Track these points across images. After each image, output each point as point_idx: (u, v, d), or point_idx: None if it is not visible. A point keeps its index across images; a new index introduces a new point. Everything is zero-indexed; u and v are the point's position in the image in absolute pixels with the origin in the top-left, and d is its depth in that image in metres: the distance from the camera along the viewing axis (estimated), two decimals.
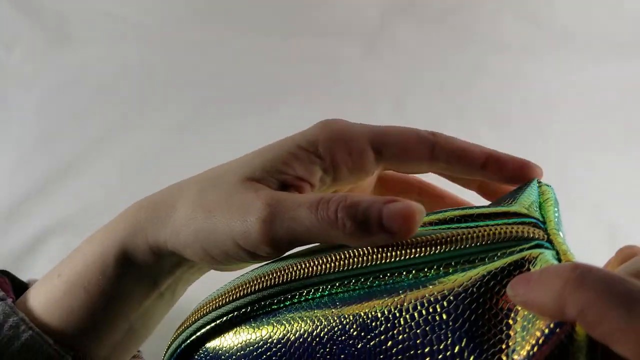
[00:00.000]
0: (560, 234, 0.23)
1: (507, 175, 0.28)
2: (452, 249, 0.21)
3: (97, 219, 0.56)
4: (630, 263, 0.19)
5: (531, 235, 0.21)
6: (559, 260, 0.21)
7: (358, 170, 0.27)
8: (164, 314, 0.31)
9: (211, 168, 0.29)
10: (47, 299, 0.28)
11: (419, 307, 0.21)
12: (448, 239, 0.22)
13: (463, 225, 0.22)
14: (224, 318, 0.24)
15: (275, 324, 0.23)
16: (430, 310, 0.21)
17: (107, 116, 0.65)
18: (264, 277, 0.24)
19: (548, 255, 0.20)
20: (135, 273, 0.28)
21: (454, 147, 0.28)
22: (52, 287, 0.28)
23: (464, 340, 0.20)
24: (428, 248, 0.22)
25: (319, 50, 0.73)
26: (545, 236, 0.22)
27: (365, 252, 0.22)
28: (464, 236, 0.21)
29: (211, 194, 0.26)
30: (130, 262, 0.27)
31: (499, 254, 0.21)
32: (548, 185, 0.27)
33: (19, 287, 0.31)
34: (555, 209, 0.24)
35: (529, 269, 0.20)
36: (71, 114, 0.65)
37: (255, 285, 0.24)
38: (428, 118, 0.68)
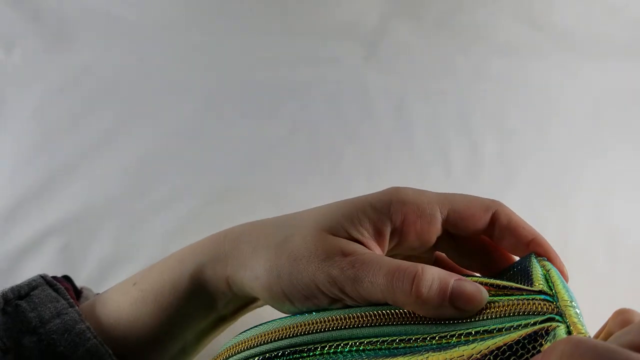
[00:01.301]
0: (573, 305, 0.24)
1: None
2: (475, 320, 0.24)
3: (97, 219, 0.56)
4: (623, 332, 0.19)
5: (544, 310, 0.23)
6: (569, 333, 0.22)
7: (424, 234, 0.29)
8: (213, 338, 0.34)
9: (286, 215, 0.31)
10: (118, 304, 0.30)
11: None
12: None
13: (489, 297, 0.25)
14: (255, 359, 0.26)
15: None
16: None
17: (106, 116, 0.64)
18: (300, 325, 0.27)
19: (561, 328, 0.22)
20: (204, 297, 0.30)
21: (511, 219, 0.29)
22: (125, 293, 0.30)
23: None
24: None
25: (319, 53, 0.73)
26: (556, 309, 0.23)
27: (397, 315, 0.25)
28: (487, 311, 0.24)
29: (295, 242, 0.28)
30: (203, 287, 0.30)
31: (514, 326, 0.23)
32: (546, 260, 0.28)
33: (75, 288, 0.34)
34: (563, 282, 0.26)
35: (541, 344, 0.22)
36: (71, 114, 0.64)
37: (289, 331, 0.26)
38: (429, 121, 0.68)
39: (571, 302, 0.24)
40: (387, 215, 0.28)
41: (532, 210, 0.58)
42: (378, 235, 0.28)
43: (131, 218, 0.56)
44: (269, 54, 0.72)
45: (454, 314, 0.24)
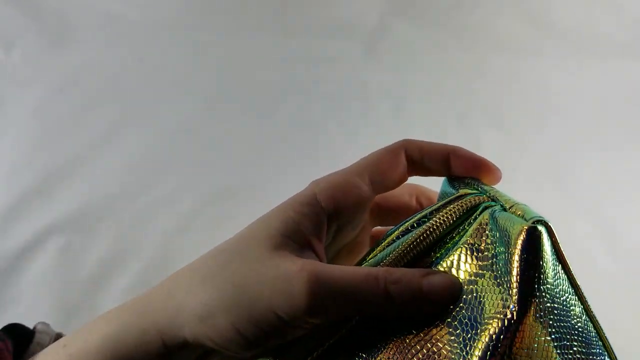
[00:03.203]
0: (501, 192, 0.27)
1: (469, 168, 0.30)
2: (432, 238, 0.26)
3: (97, 218, 0.56)
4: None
5: (478, 201, 0.26)
6: (505, 209, 0.25)
7: (357, 208, 0.28)
8: None
9: (218, 245, 0.27)
10: None
11: None
12: (425, 233, 0.26)
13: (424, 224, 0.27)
14: None
15: None
16: None
17: (106, 116, 0.64)
18: None
19: (496, 207, 0.25)
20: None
21: (422, 148, 0.30)
22: (54, 357, 0.27)
23: None
24: (413, 247, 0.26)
25: (318, 50, 0.73)
26: (489, 198, 0.26)
27: None
28: (437, 224, 0.26)
29: (238, 269, 0.25)
30: (132, 350, 0.25)
31: (465, 226, 0.26)
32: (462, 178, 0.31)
33: (24, 334, 0.31)
34: (478, 182, 0.29)
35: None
36: (71, 114, 0.64)
37: None
38: (428, 119, 0.68)
39: (495, 189, 0.27)
40: (319, 206, 0.27)
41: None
42: (319, 230, 0.27)
43: (131, 217, 0.56)
44: (269, 53, 0.72)
45: (434, 308, 0.24)
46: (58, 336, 0.33)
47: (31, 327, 0.32)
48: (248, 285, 0.24)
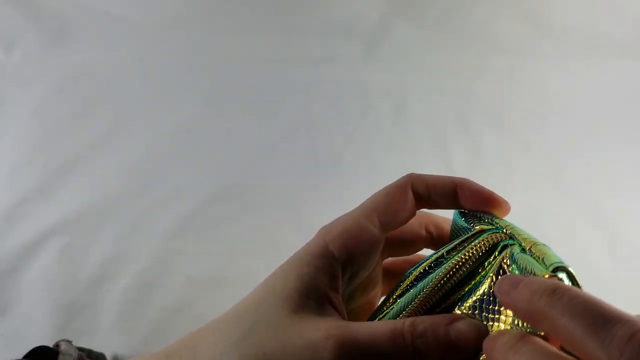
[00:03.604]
0: (517, 228, 0.27)
1: (477, 202, 0.30)
2: (454, 280, 0.26)
3: (98, 218, 0.56)
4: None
5: (497, 239, 0.26)
6: (524, 250, 0.25)
7: (370, 252, 0.28)
8: None
9: (236, 306, 0.27)
10: None
11: None
12: (447, 275, 0.26)
13: (444, 264, 0.27)
14: None
15: None
16: None
17: (106, 116, 0.64)
18: None
19: (515, 248, 0.25)
20: None
21: (426, 183, 0.30)
22: None
23: None
24: (436, 290, 0.26)
25: (319, 52, 0.73)
26: (505, 235, 0.26)
27: None
28: (458, 266, 0.26)
29: (263, 338, 0.25)
30: None
31: (485, 265, 0.26)
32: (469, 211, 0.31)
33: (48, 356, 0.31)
34: (493, 217, 0.29)
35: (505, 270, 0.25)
36: (71, 114, 0.64)
37: None
38: (428, 119, 0.68)
39: (510, 224, 0.27)
40: (331, 256, 0.27)
41: (531, 209, 0.58)
42: (336, 281, 0.27)
43: (132, 217, 0.56)
44: (269, 53, 0.72)
45: (462, 356, 0.24)
46: (81, 355, 0.33)
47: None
48: (274, 356, 0.24)
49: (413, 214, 0.30)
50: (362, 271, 0.29)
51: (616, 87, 0.71)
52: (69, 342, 0.33)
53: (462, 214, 0.30)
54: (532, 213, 0.57)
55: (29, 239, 0.54)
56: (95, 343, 0.48)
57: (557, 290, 0.20)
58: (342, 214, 0.30)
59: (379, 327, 0.24)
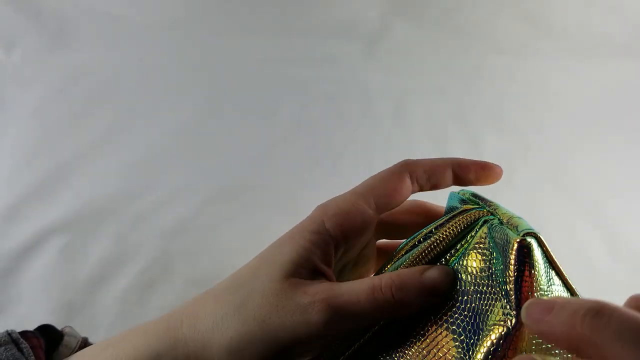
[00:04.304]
0: (501, 207, 0.29)
1: (473, 177, 0.32)
2: (437, 252, 0.29)
3: (98, 218, 0.56)
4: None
5: (478, 216, 0.29)
6: (502, 223, 0.27)
7: (364, 231, 0.30)
8: None
9: (233, 275, 0.29)
10: None
11: None
12: (430, 247, 0.29)
13: (430, 238, 0.29)
14: None
15: None
16: None
17: (106, 116, 0.64)
18: None
19: (495, 221, 0.27)
20: None
21: (424, 165, 0.31)
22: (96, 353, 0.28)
23: None
24: (420, 259, 0.29)
25: (319, 52, 0.73)
26: (488, 212, 0.29)
27: None
28: (441, 238, 0.29)
29: (258, 304, 0.27)
30: None
31: (468, 238, 0.28)
32: (464, 189, 0.33)
33: (54, 335, 0.32)
34: (480, 197, 0.31)
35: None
36: (71, 114, 0.64)
37: None
38: (428, 119, 0.68)
39: (495, 204, 0.29)
40: (327, 234, 0.29)
41: (531, 209, 0.58)
42: (329, 256, 0.29)
43: (131, 217, 0.56)
44: (269, 53, 0.72)
45: (437, 299, 0.27)
46: (85, 340, 0.34)
47: (32, 328, 0.33)
48: (270, 319, 0.26)
49: (407, 196, 0.31)
50: (354, 248, 0.31)
51: (616, 87, 0.71)
52: (71, 328, 0.34)
53: (455, 197, 0.32)
54: (532, 213, 0.57)
55: (29, 239, 0.54)
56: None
57: (600, 312, 0.18)
58: None
59: (360, 285, 0.27)
